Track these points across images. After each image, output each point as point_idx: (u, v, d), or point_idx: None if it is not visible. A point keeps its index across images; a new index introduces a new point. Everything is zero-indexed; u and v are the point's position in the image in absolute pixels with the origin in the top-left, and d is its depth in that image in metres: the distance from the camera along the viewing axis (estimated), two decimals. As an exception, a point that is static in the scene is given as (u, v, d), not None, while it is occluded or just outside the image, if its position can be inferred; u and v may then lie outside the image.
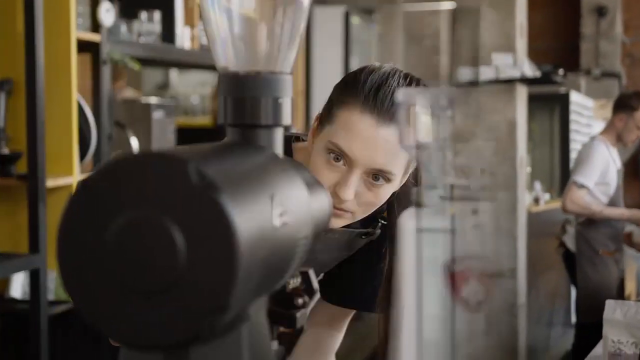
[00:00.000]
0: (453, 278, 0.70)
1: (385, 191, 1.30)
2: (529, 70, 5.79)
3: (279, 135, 0.82)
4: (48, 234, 2.38)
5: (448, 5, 5.61)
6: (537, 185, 6.19)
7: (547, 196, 6.07)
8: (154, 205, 0.63)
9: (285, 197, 0.74)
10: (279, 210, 0.72)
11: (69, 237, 0.65)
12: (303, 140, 1.45)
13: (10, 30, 2.52)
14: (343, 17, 6.35)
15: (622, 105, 4.42)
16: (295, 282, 0.89)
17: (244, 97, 0.80)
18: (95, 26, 2.75)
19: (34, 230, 2.36)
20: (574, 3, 9.79)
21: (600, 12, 9.51)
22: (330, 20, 6.10)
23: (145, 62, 3.30)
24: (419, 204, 0.82)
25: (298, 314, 0.87)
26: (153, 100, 3.27)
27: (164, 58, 3.21)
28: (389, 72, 1.29)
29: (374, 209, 1.33)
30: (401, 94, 0.73)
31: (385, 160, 1.26)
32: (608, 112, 8.47)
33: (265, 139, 0.81)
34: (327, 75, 5.52)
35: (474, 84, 5.49)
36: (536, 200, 5.77)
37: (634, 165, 9.97)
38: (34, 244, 2.39)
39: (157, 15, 3.11)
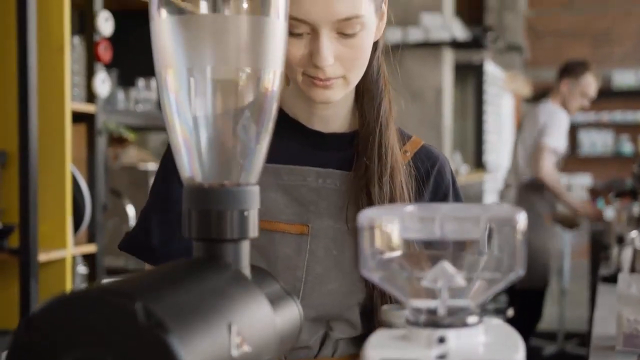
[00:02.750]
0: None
1: (365, 39, 1.18)
2: (459, 31, 5.77)
3: (245, 248, 0.80)
4: (39, 309, 2.33)
5: None
6: (457, 156, 6.12)
7: (464, 168, 6.04)
8: (99, 346, 0.60)
9: (246, 323, 0.71)
10: (238, 339, 0.69)
11: (13, 376, 0.62)
12: None
13: (3, 101, 2.52)
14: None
15: (568, 70, 4.44)
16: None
17: (209, 210, 0.78)
18: (91, 96, 2.75)
19: (26, 306, 2.33)
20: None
21: None
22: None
23: (142, 129, 3.30)
24: (387, 324, 0.79)
25: None
26: (151, 166, 3.26)
27: (160, 125, 3.21)
28: None
29: (365, 64, 1.21)
30: (364, 216, 0.70)
31: (346, 6, 1.14)
32: (518, 84, 8.50)
33: (231, 254, 0.79)
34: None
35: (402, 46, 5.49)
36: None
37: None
38: (26, 319, 2.33)
39: (154, 82, 3.12)
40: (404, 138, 1.32)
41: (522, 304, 4.43)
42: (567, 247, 6.15)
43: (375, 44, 1.27)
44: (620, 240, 3.31)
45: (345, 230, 1.23)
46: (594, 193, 10.08)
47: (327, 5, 1.13)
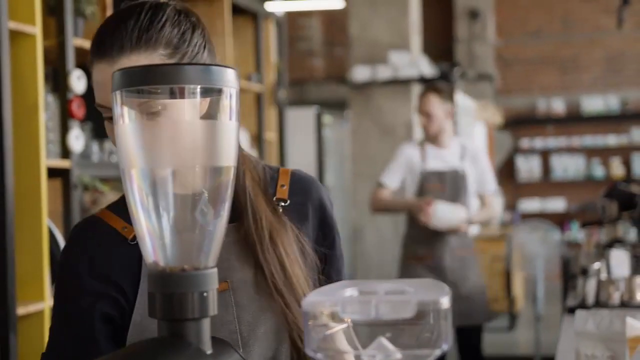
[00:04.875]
0: None
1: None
2: (427, 68, 5.87)
3: (206, 325, 0.88)
4: (19, 364, 2.41)
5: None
6: None
7: None
8: None
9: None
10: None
11: None
12: None
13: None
14: (315, 117, 6.51)
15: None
16: None
17: (172, 293, 0.86)
18: (66, 151, 2.82)
19: (5, 360, 2.40)
20: (446, 6, 10.09)
21: (473, 15, 9.74)
22: (303, 121, 6.27)
23: (118, 179, 3.37)
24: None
25: None
26: (126, 214, 3.33)
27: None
28: (118, 10, 1.26)
29: None
30: (308, 302, 0.80)
31: None
32: (489, 113, 8.66)
33: (192, 332, 0.87)
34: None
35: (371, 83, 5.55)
36: None
37: (507, 167, 10.27)
38: (6, 376, 2.41)
39: (128, 133, 3.19)
40: (274, 173, 1.39)
41: (461, 339, 4.48)
42: (541, 273, 6.26)
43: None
44: (584, 272, 3.40)
45: (259, 274, 1.30)
46: (568, 216, 10.27)
47: None
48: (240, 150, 1.36)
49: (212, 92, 0.87)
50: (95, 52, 1.23)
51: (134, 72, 0.86)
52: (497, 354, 6.22)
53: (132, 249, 1.25)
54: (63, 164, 2.79)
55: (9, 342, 2.41)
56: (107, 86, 1.19)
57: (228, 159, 0.89)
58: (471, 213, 4.25)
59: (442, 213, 4.09)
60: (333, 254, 1.39)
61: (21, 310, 2.50)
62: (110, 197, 4.12)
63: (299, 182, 1.39)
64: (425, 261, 4.23)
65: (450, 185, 4.24)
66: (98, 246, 1.27)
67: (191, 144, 0.87)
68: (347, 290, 0.83)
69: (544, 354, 5.79)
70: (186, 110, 0.90)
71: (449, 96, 4.23)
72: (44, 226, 2.61)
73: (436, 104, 4.15)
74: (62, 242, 2.71)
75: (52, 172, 2.77)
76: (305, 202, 1.38)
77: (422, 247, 4.23)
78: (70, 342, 1.26)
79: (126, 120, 0.87)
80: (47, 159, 2.69)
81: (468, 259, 4.30)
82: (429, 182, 4.19)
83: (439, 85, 4.33)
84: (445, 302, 0.78)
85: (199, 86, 0.86)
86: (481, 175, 4.32)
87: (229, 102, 0.88)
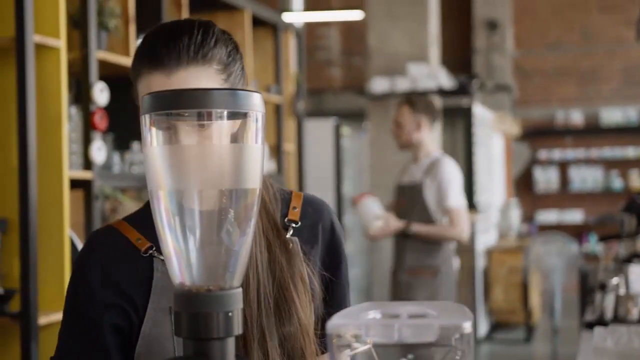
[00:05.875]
0: None
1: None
2: (445, 80, 5.87)
3: (230, 344, 0.90)
4: (40, 373, 2.44)
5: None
6: None
7: None
8: None
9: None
10: None
11: None
12: None
13: (4, 170, 2.62)
14: (334, 128, 6.53)
15: None
16: None
17: (197, 313, 0.88)
18: (88, 163, 2.86)
19: (27, 370, 2.42)
20: (465, 17, 10.09)
21: (492, 26, 9.74)
22: (321, 132, 6.29)
23: (138, 190, 3.40)
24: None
25: None
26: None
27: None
28: (165, 24, 1.29)
29: None
30: (332, 324, 0.81)
31: None
32: (507, 124, 8.66)
33: (217, 351, 0.89)
34: (320, 188, 5.65)
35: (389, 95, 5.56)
36: None
37: (525, 178, 10.26)
38: (27, 384, 2.43)
39: (148, 144, 3.22)
40: (286, 195, 1.39)
41: None
42: (558, 286, 6.25)
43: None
44: (603, 286, 3.38)
45: None
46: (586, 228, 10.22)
47: None
48: None
49: (239, 116, 0.89)
50: (147, 63, 1.24)
51: (163, 97, 0.88)
52: (513, 367, 6.22)
53: (145, 261, 1.26)
54: (85, 175, 2.83)
55: (31, 352, 2.44)
56: None
57: (254, 182, 0.90)
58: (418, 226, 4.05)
59: (361, 209, 4.12)
60: (338, 281, 1.38)
61: (43, 320, 2.53)
62: (128, 206, 4.15)
63: (310, 205, 1.40)
64: (393, 275, 4.24)
65: (407, 199, 4.18)
66: (111, 256, 1.28)
67: (218, 167, 0.89)
68: (370, 313, 0.84)
69: (561, 367, 5.78)
70: (213, 133, 0.92)
71: (422, 109, 4.16)
72: (66, 237, 2.64)
73: (406, 114, 4.15)
74: (83, 253, 2.74)
75: (74, 184, 2.81)
76: (316, 224, 1.38)
77: (393, 261, 4.26)
78: (80, 350, 1.26)
79: (154, 143, 0.89)
80: (70, 170, 2.73)
81: (424, 281, 4.08)
82: (395, 197, 4.27)
83: (414, 97, 4.35)
84: (467, 326, 0.79)
85: (225, 110, 0.88)
86: (438, 188, 4.08)
87: (255, 125, 0.89)
